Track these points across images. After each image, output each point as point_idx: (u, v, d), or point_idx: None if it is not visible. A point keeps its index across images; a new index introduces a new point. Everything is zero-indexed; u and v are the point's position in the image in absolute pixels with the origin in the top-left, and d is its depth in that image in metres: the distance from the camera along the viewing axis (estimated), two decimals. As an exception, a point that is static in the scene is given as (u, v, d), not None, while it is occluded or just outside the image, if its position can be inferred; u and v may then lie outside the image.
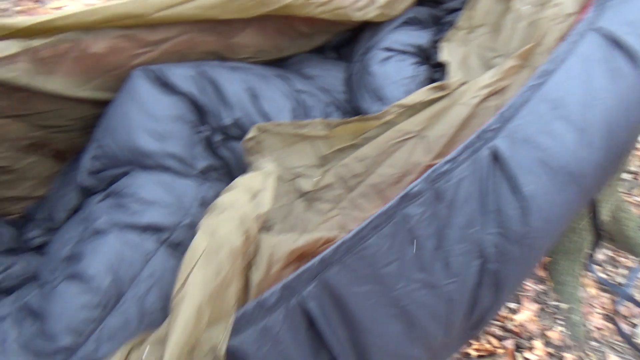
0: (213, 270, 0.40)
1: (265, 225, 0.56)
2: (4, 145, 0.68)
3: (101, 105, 0.68)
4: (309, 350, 0.47)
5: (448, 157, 0.53)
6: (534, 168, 0.59)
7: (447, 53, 0.70)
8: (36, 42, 0.59)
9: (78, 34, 0.62)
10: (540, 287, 1.90)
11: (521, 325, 1.62)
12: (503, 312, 1.55)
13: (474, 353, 1.47)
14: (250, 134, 0.60)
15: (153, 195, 0.55)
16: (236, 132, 0.64)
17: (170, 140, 0.60)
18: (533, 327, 1.67)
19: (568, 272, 1.52)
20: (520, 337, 1.56)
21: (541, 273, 2.00)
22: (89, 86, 0.66)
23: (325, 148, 0.63)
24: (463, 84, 0.65)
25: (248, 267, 0.48)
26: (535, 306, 1.69)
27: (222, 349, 0.40)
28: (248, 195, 0.47)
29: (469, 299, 0.58)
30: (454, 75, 0.67)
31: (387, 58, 0.73)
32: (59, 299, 0.48)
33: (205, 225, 0.42)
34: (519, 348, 1.54)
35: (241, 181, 0.49)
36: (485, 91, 0.63)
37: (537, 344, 1.60)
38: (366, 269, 0.50)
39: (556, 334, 1.62)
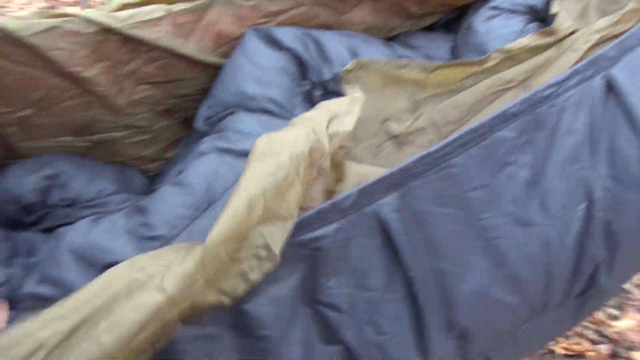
0: (270, 168, 0.40)
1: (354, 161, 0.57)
2: (144, 107, 0.81)
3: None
4: (383, 263, 0.46)
5: (552, 81, 0.50)
6: None
7: (558, 5, 0.67)
8: (176, 8, 0.71)
9: (212, 2, 0.73)
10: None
11: (620, 333, 1.39)
12: (601, 316, 1.38)
13: (561, 351, 1.31)
14: (348, 66, 0.64)
15: (251, 129, 0.62)
16: (335, 87, 0.68)
17: (273, 88, 0.66)
18: (635, 338, 1.42)
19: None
20: (618, 345, 1.35)
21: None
22: (216, 53, 0.77)
23: (420, 94, 0.63)
24: (574, 32, 0.61)
25: (330, 193, 0.50)
26: (640, 317, 1.42)
27: (277, 248, 0.40)
28: (327, 114, 0.49)
29: (573, 248, 0.51)
30: (563, 23, 0.63)
31: (493, 16, 0.71)
32: (161, 198, 0.56)
33: (273, 132, 0.44)
34: (614, 356, 1.33)
35: (325, 103, 0.51)
36: (600, 35, 0.59)
37: (638, 355, 1.35)
38: (450, 189, 0.48)
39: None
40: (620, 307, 1.45)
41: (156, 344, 0.36)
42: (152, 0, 0.72)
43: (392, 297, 0.47)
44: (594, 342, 1.29)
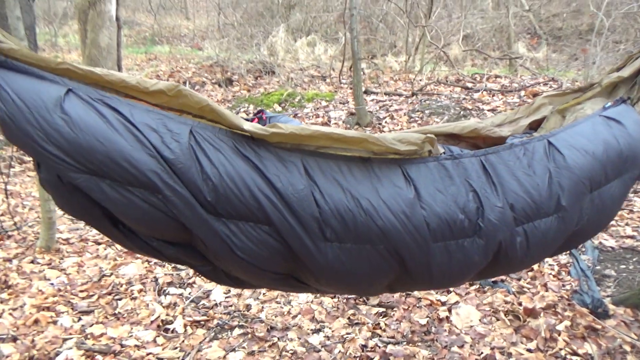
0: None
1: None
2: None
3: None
4: (480, 173, 1.56)
5: (529, 139, 1.64)
6: (568, 148, 1.62)
7: (536, 132, 1.84)
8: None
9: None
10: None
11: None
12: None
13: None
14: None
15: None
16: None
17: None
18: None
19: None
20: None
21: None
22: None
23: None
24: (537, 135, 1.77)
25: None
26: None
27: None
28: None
29: (547, 185, 1.57)
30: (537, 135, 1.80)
31: (512, 139, 1.90)
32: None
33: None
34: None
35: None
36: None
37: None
38: (500, 159, 1.57)
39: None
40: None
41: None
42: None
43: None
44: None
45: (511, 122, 2.05)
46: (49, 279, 3.53)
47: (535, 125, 2.04)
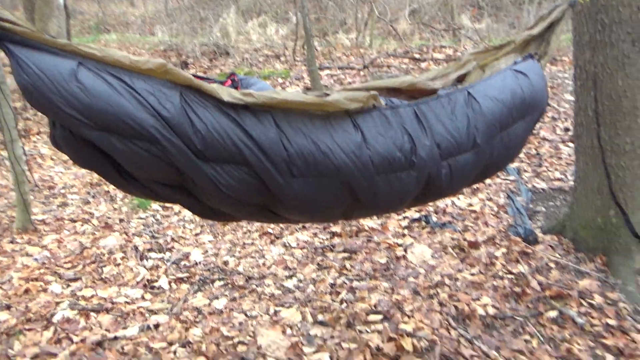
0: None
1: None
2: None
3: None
4: (413, 119, 1.97)
5: (453, 91, 2.06)
6: (483, 98, 2.05)
7: (462, 84, 2.26)
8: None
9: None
10: (601, 275, 3.19)
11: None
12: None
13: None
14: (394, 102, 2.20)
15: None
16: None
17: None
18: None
19: (622, 264, 2.83)
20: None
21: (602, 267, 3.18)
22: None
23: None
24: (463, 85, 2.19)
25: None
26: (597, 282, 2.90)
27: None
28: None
29: (466, 125, 1.99)
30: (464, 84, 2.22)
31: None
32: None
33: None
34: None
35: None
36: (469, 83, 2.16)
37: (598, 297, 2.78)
38: (429, 107, 1.99)
39: (615, 294, 2.81)
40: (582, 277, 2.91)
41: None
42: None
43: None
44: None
45: (442, 76, 2.45)
46: (31, 255, 3.74)
47: (462, 79, 2.45)
